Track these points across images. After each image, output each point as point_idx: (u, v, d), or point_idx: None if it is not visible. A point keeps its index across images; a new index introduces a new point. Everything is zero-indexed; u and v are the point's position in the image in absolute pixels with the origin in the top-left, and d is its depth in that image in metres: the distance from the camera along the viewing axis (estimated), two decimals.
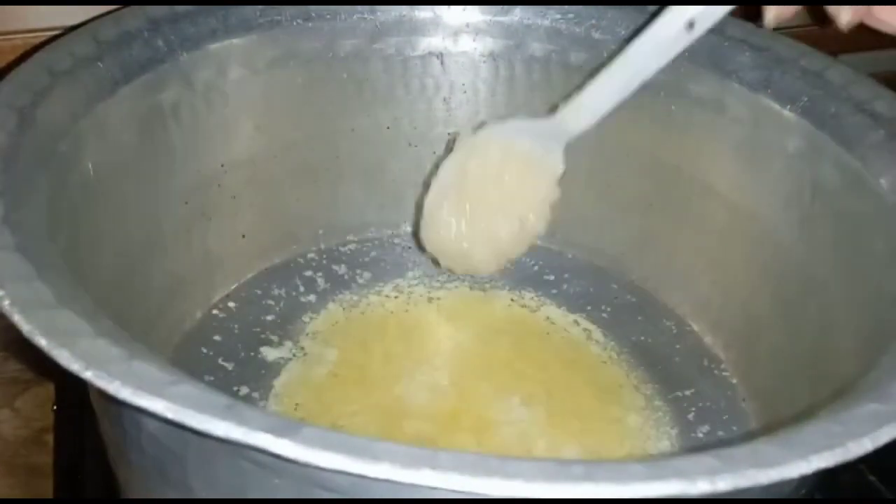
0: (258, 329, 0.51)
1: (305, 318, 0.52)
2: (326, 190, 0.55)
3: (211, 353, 0.49)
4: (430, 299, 0.54)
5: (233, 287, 0.53)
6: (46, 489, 0.47)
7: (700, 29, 0.43)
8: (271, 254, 0.55)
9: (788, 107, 0.47)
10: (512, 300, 0.54)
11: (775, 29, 0.43)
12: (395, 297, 0.54)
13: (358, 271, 0.55)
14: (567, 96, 0.47)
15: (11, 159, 0.36)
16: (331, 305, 0.53)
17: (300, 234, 0.56)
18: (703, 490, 0.25)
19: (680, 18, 0.43)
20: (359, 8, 0.51)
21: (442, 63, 0.54)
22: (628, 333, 0.53)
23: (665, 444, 0.46)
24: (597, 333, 0.52)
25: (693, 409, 0.49)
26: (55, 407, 0.50)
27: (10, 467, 0.48)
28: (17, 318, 0.28)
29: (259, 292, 0.53)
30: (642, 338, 0.52)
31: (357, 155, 0.55)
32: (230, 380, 0.47)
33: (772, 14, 0.42)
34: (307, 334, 0.51)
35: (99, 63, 0.43)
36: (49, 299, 0.30)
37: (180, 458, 0.31)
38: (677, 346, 0.52)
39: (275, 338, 0.50)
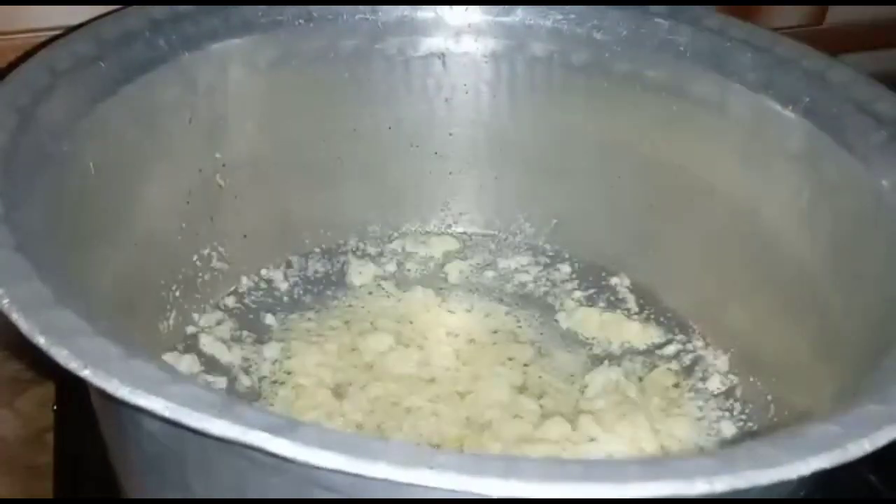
0: (258, 328, 0.51)
1: (305, 318, 0.52)
2: (327, 190, 0.55)
3: (211, 353, 0.49)
4: (430, 298, 0.54)
5: (233, 287, 0.53)
6: (46, 489, 0.46)
7: None
8: (271, 254, 0.55)
9: (790, 107, 0.47)
10: (512, 300, 0.54)
11: (775, 29, 0.43)
12: (396, 297, 0.53)
13: (358, 271, 0.55)
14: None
15: (11, 159, 0.36)
16: (331, 304, 0.53)
17: (301, 233, 0.56)
18: (701, 490, 0.25)
19: None
20: (360, 8, 0.51)
21: (444, 63, 0.54)
22: (629, 334, 0.53)
23: (666, 444, 0.46)
24: (597, 333, 0.53)
25: (693, 408, 0.48)
26: (55, 407, 0.50)
27: (10, 467, 0.48)
28: (17, 317, 0.28)
29: (259, 292, 0.53)
30: (643, 338, 0.52)
31: (358, 155, 0.55)
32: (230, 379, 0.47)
33: None
34: (307, 333, 0.50)
35: (100, 63, 0.42)
36: (48, 298, 0.30)
37: (179, 457, 0.31)
38: (677, 346, 0.52)
39: (275, 337, 0.50)
